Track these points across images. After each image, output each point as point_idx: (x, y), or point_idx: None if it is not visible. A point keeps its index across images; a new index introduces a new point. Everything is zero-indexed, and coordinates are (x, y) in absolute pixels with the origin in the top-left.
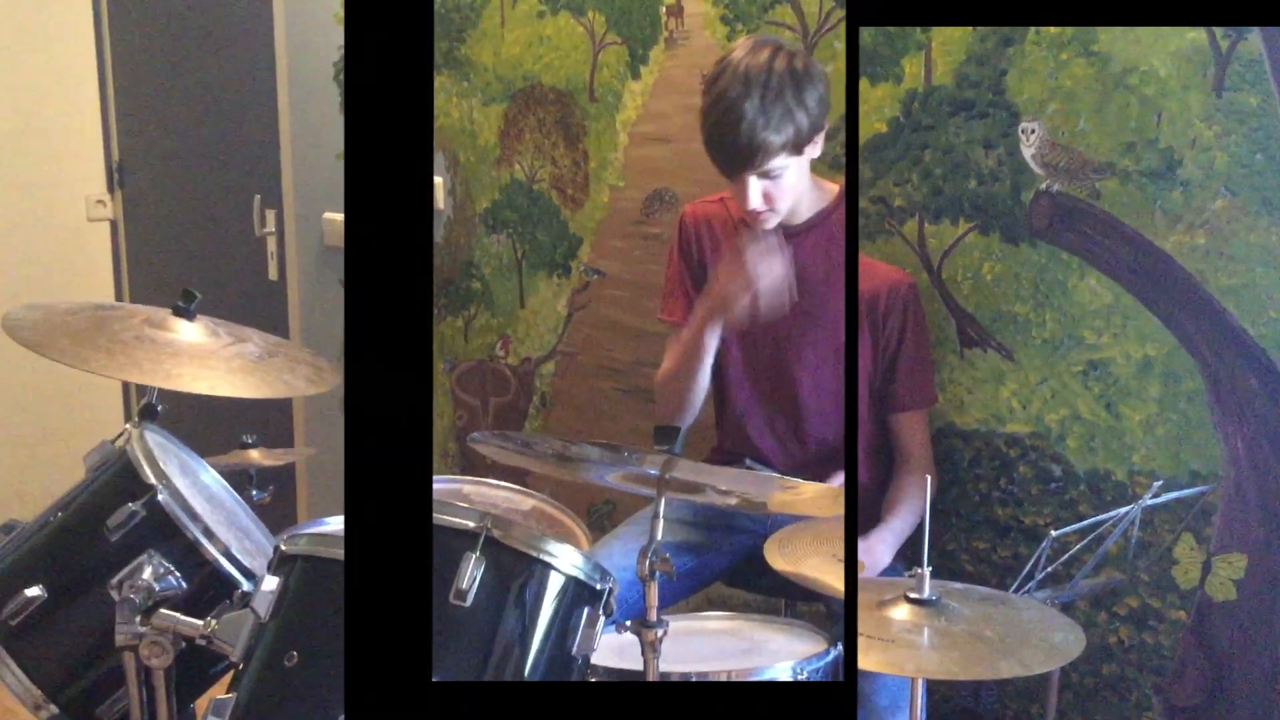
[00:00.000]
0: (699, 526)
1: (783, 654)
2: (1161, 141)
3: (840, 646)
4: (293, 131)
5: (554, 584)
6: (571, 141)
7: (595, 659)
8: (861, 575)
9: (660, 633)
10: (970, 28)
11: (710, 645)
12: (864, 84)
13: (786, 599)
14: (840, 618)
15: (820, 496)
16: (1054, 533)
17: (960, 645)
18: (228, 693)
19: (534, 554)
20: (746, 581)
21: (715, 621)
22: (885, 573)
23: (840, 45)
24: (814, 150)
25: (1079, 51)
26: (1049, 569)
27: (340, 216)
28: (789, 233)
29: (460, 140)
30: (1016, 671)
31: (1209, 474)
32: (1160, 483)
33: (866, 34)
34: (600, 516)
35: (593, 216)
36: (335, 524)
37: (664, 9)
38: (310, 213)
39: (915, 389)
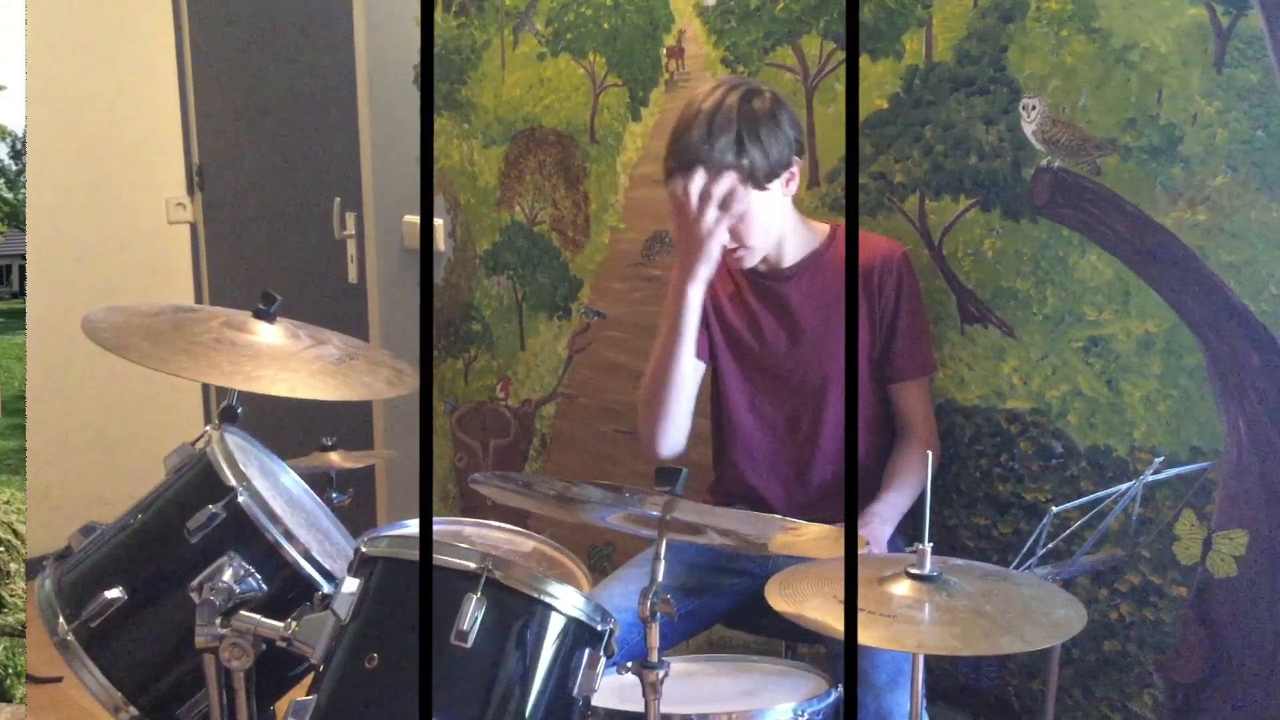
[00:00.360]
0: (700, 568)
1: (784, 695)
2: (1162, 118)
3: (840, 689)
4: (373, 134)
5: (555, 625)
6: (572, 183)
7: (596, 700)
8: (861, 550)
9: (661, 674)
10: (971, 3)
11: (711, 687)
12: (865, 60)
13: (787, 640)
14: (841, 657)
15: (822, 538)
16: (1055, 509)
17: (961, 621)
18: (308, 695)
19: (535, 595)
20: (747, 623)
21: (716, 663)
22: (887, 548)
23: (840, 87)
24: (784, 187)
25: (1079, 28)
26: (1050, 545)
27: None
28: (778, 277)
29: (461, 182)
30: (1018, 647)
31: (1210, 450)
32: (1161, 459)
33: (867, 10)
34: (600, 558)
35: (593, 258)
36: (416, 526)
37: (664, 51)
38: (390, 216)
39: (914, 357)
